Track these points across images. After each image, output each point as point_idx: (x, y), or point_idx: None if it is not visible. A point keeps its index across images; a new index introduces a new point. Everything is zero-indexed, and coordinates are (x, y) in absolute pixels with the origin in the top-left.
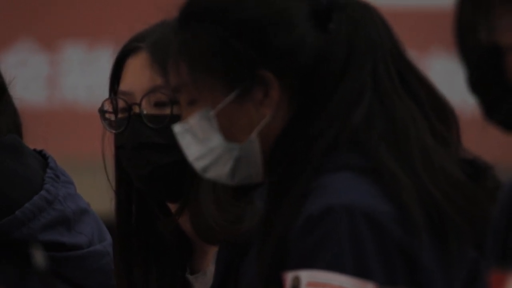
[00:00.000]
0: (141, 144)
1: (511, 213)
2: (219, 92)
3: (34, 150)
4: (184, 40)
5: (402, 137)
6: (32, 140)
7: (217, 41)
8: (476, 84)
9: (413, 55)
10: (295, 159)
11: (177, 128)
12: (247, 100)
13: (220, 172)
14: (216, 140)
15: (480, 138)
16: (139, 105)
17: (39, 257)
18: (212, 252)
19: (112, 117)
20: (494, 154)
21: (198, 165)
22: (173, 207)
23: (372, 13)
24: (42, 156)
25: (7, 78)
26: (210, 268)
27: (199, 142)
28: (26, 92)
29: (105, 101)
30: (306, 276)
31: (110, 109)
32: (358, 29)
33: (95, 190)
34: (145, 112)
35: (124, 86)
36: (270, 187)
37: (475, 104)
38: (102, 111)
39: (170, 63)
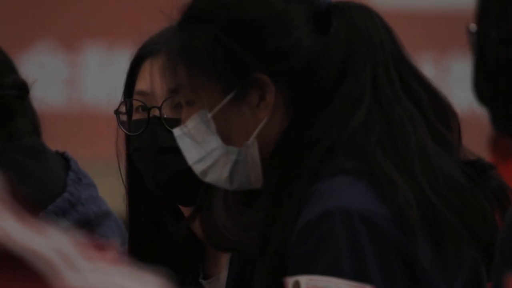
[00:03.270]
0: (161, 149)
1: None
2: (216, 94)
3: (56, 152)
4: (182, 41)
5: (401, 142)
6: (52, 142)
7: (213, 42)
8: (488, 94)
9: (432, 56)
10: (292, 166)
11: (176, 131)
12: (243, 103)
13: (218, 175)
14: (214, 143)
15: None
16: (160, 108)
17: None
18: (225, 257)
19: (128, 118)
20: None
21: (197, 168)
22: (185, 210)
23: (373, 17)
24: (64, 158)
25: (27, 79)
26: (223, 273)
27: (198, 145)
28: (45, 94)
29: (122, 102)
30: (305, 281)
31: (126, 111)
32: (357, 34)
33: (115, 193)
34: (165, 115)
35: (142, 85)
36: (268, 194)
37: None
38: (118, 112)
39: (168, 64)
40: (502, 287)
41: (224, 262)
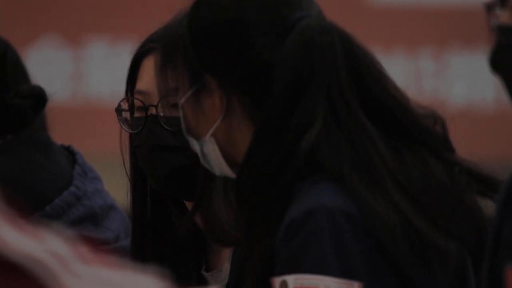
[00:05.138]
0: (157, 146)
1: (505, 206)
2: (185, 87)
3: (62, 145)
4: (172, 34)
5: (369, 167)
6: (57, 136)
7: (183, 41)
8: (502, 61)
9: (432, 51)
10: (263, 187)
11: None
12: (200, 101)
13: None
14: (183, 129)
15: (501, 134)
16: (156, 107)
17: None
18: (228, 250)
19: (129, 116)
20: None
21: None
22: (188, 204)
23: (332, 35)
24: (69, 152)
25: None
26: (225, 266)
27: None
28: (50, 88)
29: (122, 100)
30: (292, 280)
31: (127, 108)
32: (308, 51)
33: (119, 186)
34: (161, 114)
35: (141, 85)
36: (249, 197)
37: (495, 100)
38: (119, 110)
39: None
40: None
41: (226, 254)
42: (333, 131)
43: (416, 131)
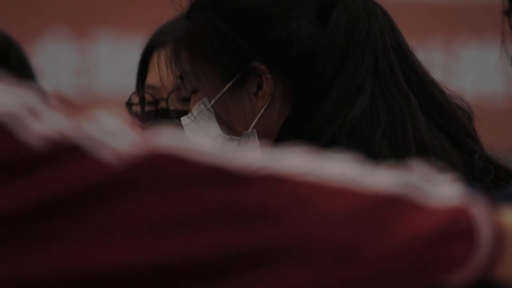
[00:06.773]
0: None
1: None
2: (216, 82)
3: None
4: (186, 29)
5: (401, 135)
6: None
7: (213, 30)
8: None
9: (440, 42)
10: None
11: (184, 120)
12: (242, 91)
13: None
14: (216, 131)
15: (510, 126)
16: (166, 100)
17: None
18: None
19: (139, 110)
20: None
21: None
22: None
23: (375, 9)
24: None
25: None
26: None
27: (204, 132)
28: (57, 82)
29: (132, 94)
30: None
31: (137, 102)
32: (357, 25)
33: None
34: (172, 108)
35: (151, 79)
36: None
37: (506, 93)
38: (129, 104)
39: (173, 52)
40: None
41: None
42: (378, 99)
43: (446, 113)
